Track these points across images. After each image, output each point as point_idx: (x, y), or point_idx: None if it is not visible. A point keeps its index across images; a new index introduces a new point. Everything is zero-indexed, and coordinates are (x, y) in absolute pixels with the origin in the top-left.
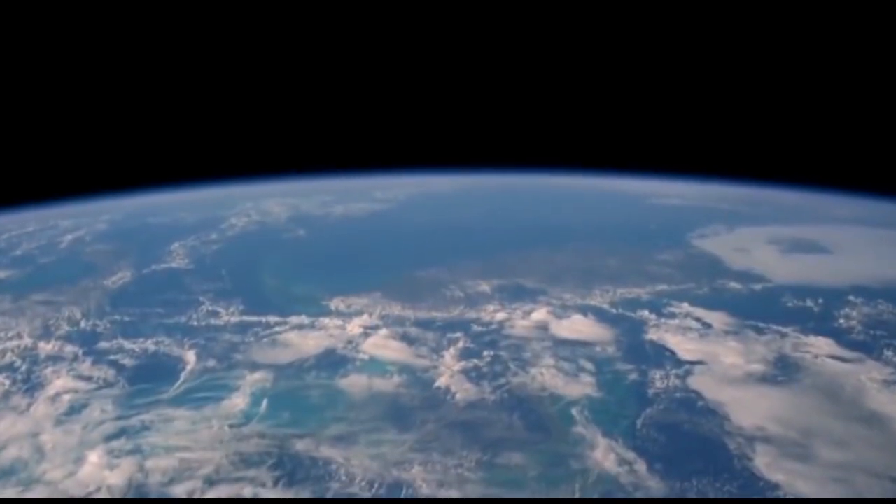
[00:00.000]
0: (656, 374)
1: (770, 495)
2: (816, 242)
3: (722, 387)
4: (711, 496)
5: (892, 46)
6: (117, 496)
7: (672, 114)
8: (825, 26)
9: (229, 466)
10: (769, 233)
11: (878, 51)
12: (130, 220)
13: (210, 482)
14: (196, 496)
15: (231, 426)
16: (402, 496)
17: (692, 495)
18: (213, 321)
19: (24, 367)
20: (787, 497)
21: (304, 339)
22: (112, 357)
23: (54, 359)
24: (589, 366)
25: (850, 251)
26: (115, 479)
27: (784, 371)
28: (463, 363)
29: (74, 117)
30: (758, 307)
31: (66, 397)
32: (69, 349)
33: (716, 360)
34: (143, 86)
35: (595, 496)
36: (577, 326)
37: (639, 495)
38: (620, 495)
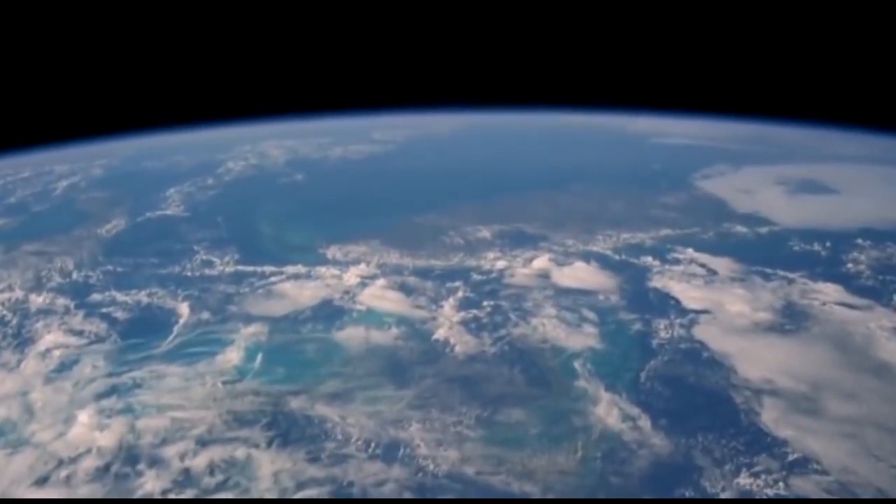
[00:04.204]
0: (660, 324)
1: (777, 452)
2: (824, 183)
3: (728, 337)
4: (717, 454)
5: None
6: (108, 458)
7: (673, 48)
8: None
9: (222, 426)
10: (775, 173)
11: None
12: (126, 165)
13: (202, 443)
14: (188, 458)
15: (224, 383)
16: (399, 456)
17: (697, 452)
18: (207, 271)
19: (14, 321)
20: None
21: (300, 290)
22: (104, 310)
23: (45, 312)
24: (591, 316)
25: (857, 191)
26: (106, 441)
27: (792, 319)
28: (462, 314)
29: (70, 58)
30: (764, 252)
31: (57, 353)
32: (61, 302)
33: (721, 309)
34: (139, 26)
35: (598, 455)
36: (580, 274)
37: (643, 453)
38: (624, 453)
